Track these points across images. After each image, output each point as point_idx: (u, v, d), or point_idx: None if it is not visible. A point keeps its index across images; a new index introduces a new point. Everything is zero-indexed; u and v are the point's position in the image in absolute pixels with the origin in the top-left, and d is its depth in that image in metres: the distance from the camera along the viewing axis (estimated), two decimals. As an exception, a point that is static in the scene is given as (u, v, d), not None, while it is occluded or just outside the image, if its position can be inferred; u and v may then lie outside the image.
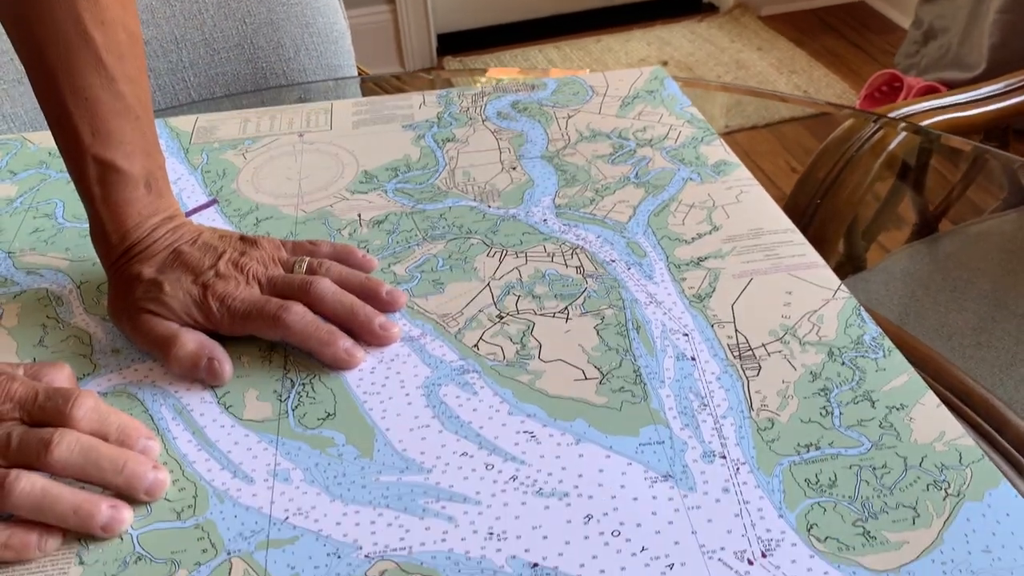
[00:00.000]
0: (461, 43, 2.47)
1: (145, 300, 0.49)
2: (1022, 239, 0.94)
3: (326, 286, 0.50)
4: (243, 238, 0.53)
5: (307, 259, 0.52)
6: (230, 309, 0.49)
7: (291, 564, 0.38)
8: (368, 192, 0.62)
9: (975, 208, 1.01)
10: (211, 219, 0.60)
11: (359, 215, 0.60)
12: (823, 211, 0.80)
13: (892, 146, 0.81)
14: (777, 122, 2.06)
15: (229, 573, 0.38)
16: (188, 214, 0.61)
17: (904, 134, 0.81)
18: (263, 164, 0.66)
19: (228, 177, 0.65)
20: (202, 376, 0.47)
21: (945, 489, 0.40)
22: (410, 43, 2.28)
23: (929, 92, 1.93)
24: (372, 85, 0.98)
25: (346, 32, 0.98)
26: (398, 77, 1.00)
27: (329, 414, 0.45)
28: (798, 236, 0.56)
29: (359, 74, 1.01)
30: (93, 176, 0.50)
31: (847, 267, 0.91)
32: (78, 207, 0.61)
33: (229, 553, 0.39)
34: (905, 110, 0.90)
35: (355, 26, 2.17)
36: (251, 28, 0.91)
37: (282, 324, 0.48)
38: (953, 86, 1.96)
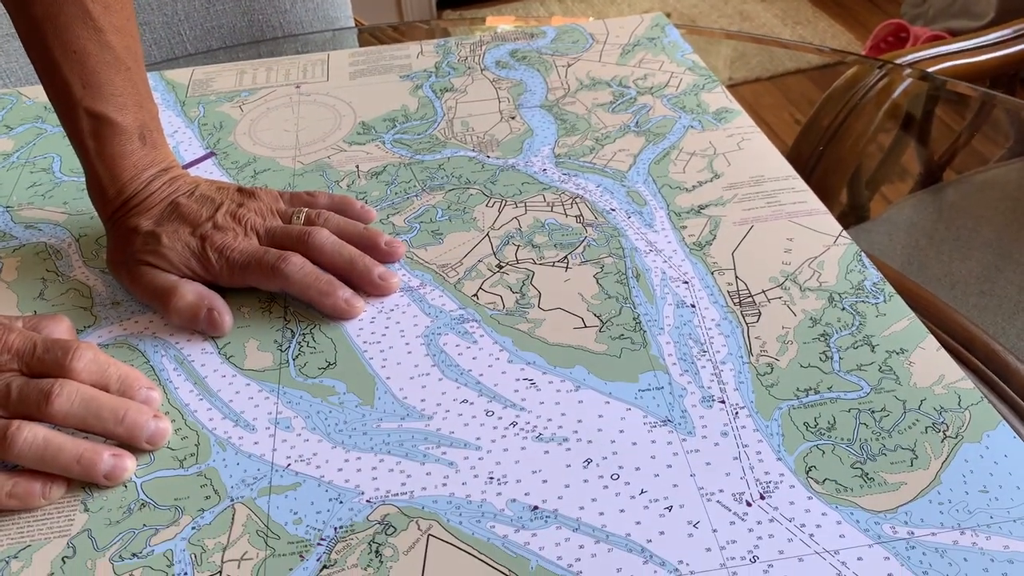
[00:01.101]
0: (461, -4, 2.43)
1: (143, 252, 0.49)
2: (1028, 188, 0.94)
3: (325, 237, 0.50)
4: (241, 190, 0.53)
5: (305, 210, 0.52)
6: (229, 260, 0.48)
7: (293, 510, 0.38)
8: (366, 143, 0.62)
9: (980, 157, 1.00)
10: (208, 172, 0.60)
11: (357, 166, 0.59)
12: (826, 160, 0.79)
13: (897, 93, 0.80)
14: (781, 74, 2.03)
15: (232, 519, 0.38)
16: (186, 167, 0.60)
17: (910, 81, 0.80)
18: (260, 116, 0.65)
19: (225, 129, 0.64)
20: (202, 327, 0.47)
21: (944, 431, 0.40)
22: (409, -4, 2.24)
23: (936, 42, 1.90)
24: (369, 36, 0.97)
25: (343, -17, 0.96)
26: (395, 28, 0.98)
27: (330, 363, 0.46)
28: (799, 183, 0.56)
29: (356, 25, 1.00)
30: (86, 129, 0.49)
31: (850, 217, 0.90)
32: (75, 161, 0.61)
33: (232, 499, 0.39)
34: (911, 56, 0.89)
35: (353, -20, 2.14)
36: (246, -21, 0.90)
37: (281, 275, 0.48)
38: (961, 35, 1.93)
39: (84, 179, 0.52)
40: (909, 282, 0.53)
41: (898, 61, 0.88)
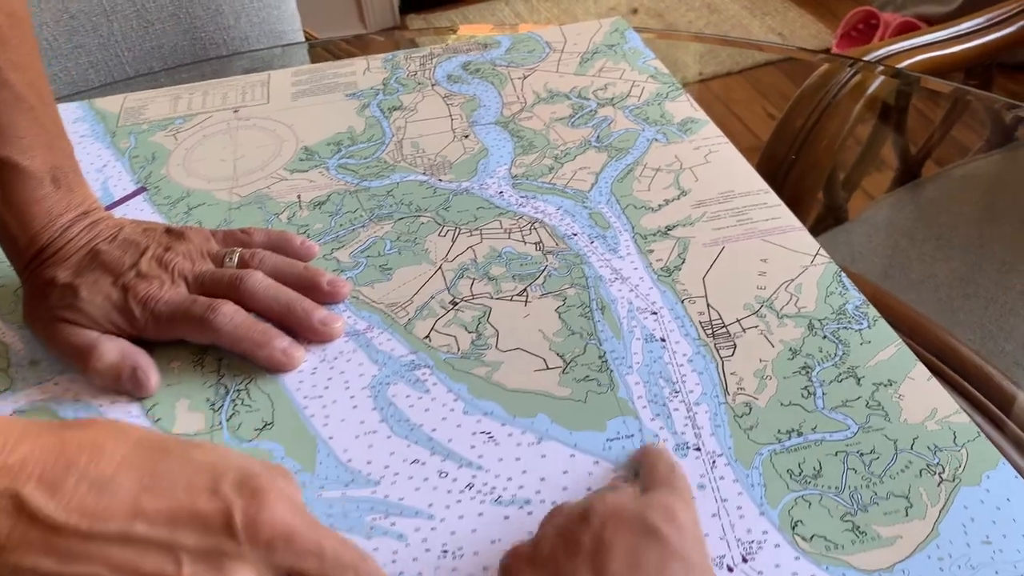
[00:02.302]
0: (424, -1, 2.38)
1: (60, 307, 0.44)
2: (1006, 181, 0.91)
3: (258, 280, 0.45)
4: (169, 230, 0.49)
5: (239, 251, 0.48)
6: (154, 312, 0.44)
7: (224, 599, 0.34)
8: (308, 170, 0.58)
9: (959, 148, 0.97)
10: (139, 209, 0.56)
11: (299, 196, 0.55)
12: (801, 163, 0.76)
13: (871, 91, 0.77)
14: (752, 67, 2.00)
15: (155, 613, 0.34)
16: (114, 205, 0.56)
17: (882, 79, 0.77)
18: (195, 145, 0.61)
19: (158, 161, 0.60)
20: (127, 388, 0.43)
21: (939, 474, 0.37)
22: (371, 1, 2.19)
23: (906, 28, 1.87)
24: (322, 51, 0.92)
25: (289, -6, 0.92)
26: (348, 41, 0.94)
27: (267, 423, 0.41)
28: (772, 197, 0.52)
29: (307, 39, 0.95)
30: (-9, 176, 0.45)
31: (828, 219, 0.87)
32: (-9, 204, 0.56)
33: (156, 590, 0.35)
34: (883, 51, 0.85)
35: (311, -13, 2.09)
36: (186, -5, 0.85)
37: (211, 326, 0.43)
38: (931, 21, 1.90)
39: (-1, 225, 0.47)
40: (889, 297, 0.50)
41: (869, 58, 0.85)
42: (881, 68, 0.78)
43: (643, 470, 0.37)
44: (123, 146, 0.61)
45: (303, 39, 0.94)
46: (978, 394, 0.43)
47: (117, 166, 0.60)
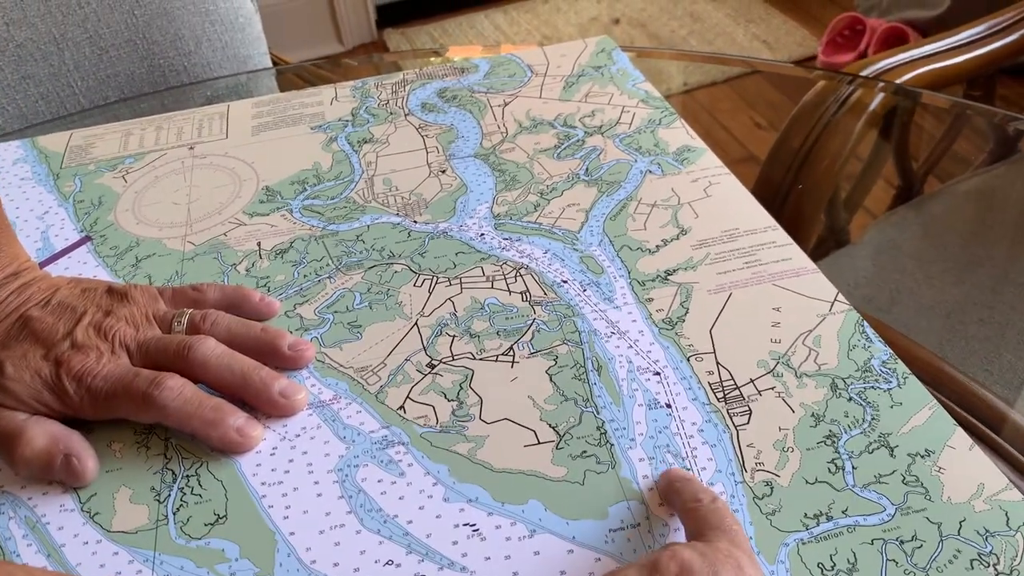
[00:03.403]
0: (402, 13, 2.33)
1: (-18, 386, 0.39)
2: (1012, 196, 0.87)
3: (209, 348, 0.40)
4: (111, 290, 0.43)
5: (188, 312, 0.43)
6: (90, 389, 0.39)
7: None
8: (270, 213, 0.52)
9: (962, 162, 0.93)
10: (82, 262, 0.50)
11: (259, 244, 0.50)
12: (802, 185, 0.71)
13: (872, 107, 0.72)
14: (737, 76, 1.96)
15: None
16: (52, 259, 0.50)
17: (882, 95, 0.72)
18: (146, 187, 0.55)
19: (105, 206, 0.54)
20: (60, 477, 0.38)
21: (994, 565, 0.32)
22: (347, 18, 2.14)
23: (893, 34, 1.84)
24: (293, 77, 0.87)
25: (254, 16, 0.86)
26: (319, 65, 0.89)
27: (219, 517, 0.36)
28: (781, 235, 0.47)
29: (275, 63, 0.90)
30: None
31: (830, 242, 0.83)
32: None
33: None
34: (881, 64, 0.81)
35: (284, 3, 2.04)
36: (142, 20, 0.80)
37: (155, 404, 0.38)
38: (917, 25, 1.87)
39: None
40: (892, 331, 0.45)
41: (867, 72, 0.81)
42: (882, 84, 0.74)
43: (682, 509, 0.33)
44: (67, 189, 0.56)
45: (270, 64, 0.89)
46: (970, 417, 0.39)
47: (60, 212, 0.54)
